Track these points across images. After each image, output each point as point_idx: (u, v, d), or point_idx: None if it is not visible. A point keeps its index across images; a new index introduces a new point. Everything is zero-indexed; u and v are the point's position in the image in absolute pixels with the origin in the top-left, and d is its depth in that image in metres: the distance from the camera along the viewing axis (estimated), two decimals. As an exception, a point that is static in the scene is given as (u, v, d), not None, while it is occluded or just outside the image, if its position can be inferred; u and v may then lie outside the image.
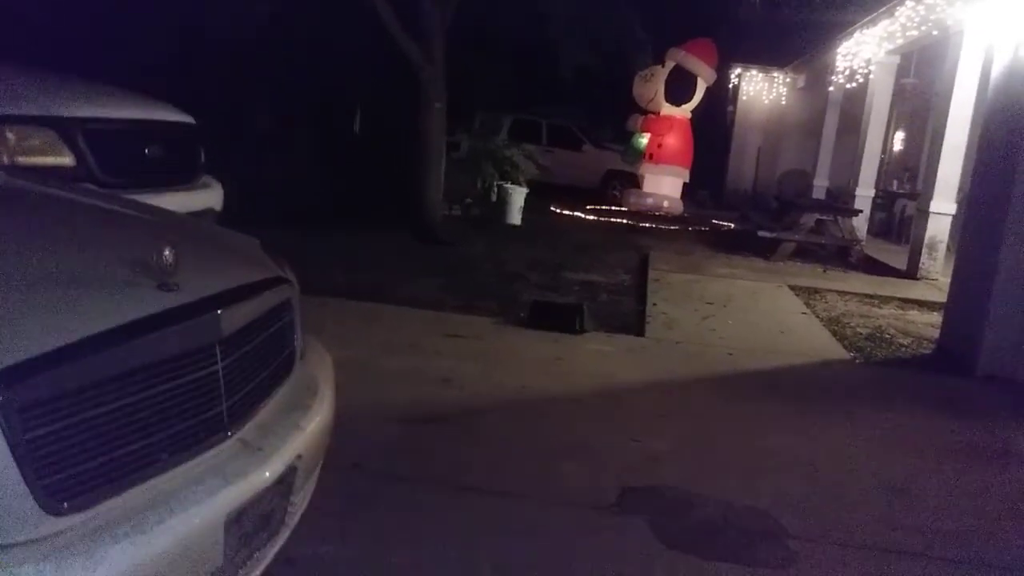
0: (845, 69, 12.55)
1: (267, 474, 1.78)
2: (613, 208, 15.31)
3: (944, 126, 9.18)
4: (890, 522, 3.05)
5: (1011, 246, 5.08)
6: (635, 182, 15.27)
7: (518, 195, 11.60)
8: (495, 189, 11.69)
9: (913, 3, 9.75)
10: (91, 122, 4.29)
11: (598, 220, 13.54)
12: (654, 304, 6.64)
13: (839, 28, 12.69)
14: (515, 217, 11.54)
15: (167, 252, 1.74)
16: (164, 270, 1.72)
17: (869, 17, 11.41)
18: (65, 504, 1.36)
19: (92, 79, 5.05)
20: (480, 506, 2.88)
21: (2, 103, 3.99)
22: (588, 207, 14.80)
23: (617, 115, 16.50)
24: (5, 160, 3.91)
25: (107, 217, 2.28)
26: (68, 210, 2.20)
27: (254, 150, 8.77)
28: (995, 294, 5.13)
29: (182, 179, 5.32)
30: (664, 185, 14.73)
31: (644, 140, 14.80)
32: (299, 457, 1.94)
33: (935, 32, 9.64)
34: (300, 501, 2.04)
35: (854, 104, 13.21)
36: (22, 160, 3.98)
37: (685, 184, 15.11)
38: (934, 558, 2.82)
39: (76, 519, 1.38)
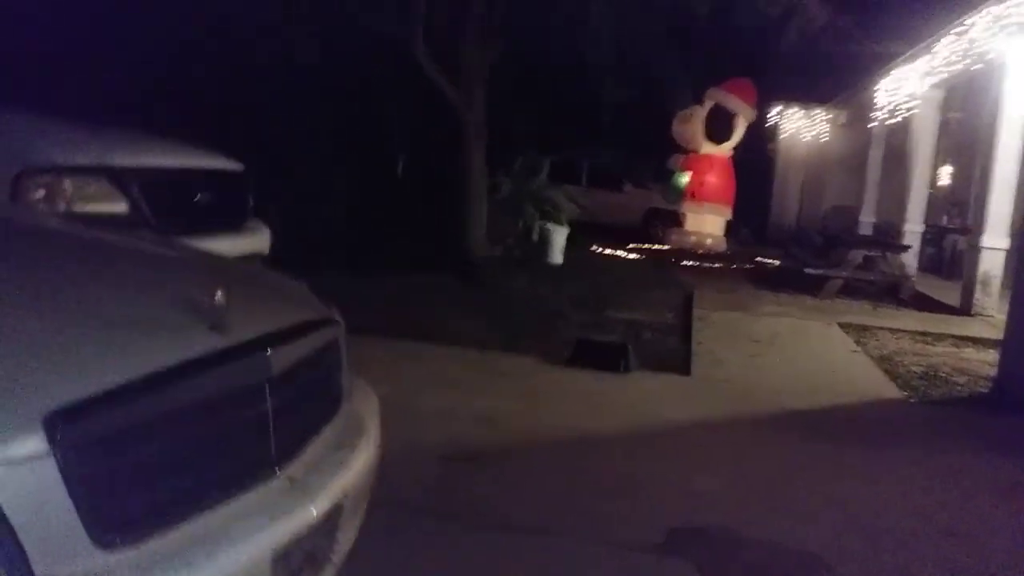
0: (887, 104, 12.45)
1: (314, 512, 1.79)
2: (655, 247, 15.27)
3: (993, 159, 9.02)
4: (946, 566, 2.95)
5: (1067, 280, 4.94)
6: (677, 220, 15.24)
7: (559, 234, 11.64)
8: (536, 229, 11.75)
9: (954, 37, 9.68)
10: (144, 171, 4.44)
11: (640, 259, 13.50)
12: (699, 343, 6.57)
13: (879, 61, 12.61)
14: (557, 256, 11.57)
15: (218, 294, 1.79)
16: (215, 312, 1.77)
17: (908, 53, 11.34)
18: (117, 539, 1.39)
19: (144, 129, 5.24)
20: (521, 545, 2.86)
21: (60, 154, 4.15)
22: (630, 246, 14.79)
23: (657, 155, 16.53)
24: (62, 208, 4.05)
25: (160, 261, 2.36)
26: (122, 255, 2.27)
27: (299, 193, 8.95)
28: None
29: (231, 224, 5.46)
30: (706, 223, 14.69)
31: (685, 178, 14.81)
32: (345, 496, 1.95)
33: (978, 65, 9.53)
34: (346, 540, 2.05)
35: (899, 138, 13.06)
36: (78, 208, 4.12)
37: (728, 222, 15.04)
38: (996, 604, 2.72)
39: (127, 554, 1.40)
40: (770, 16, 10.74)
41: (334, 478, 1.94)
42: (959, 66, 9.90)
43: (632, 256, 13.75)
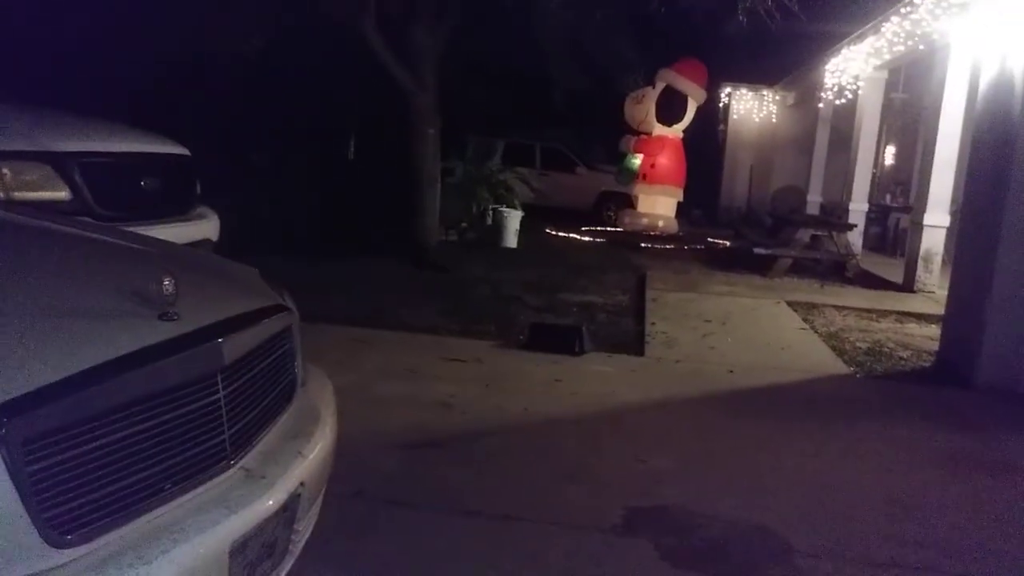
0: (834, 85, 12.66)
1: (271, 502, 1.77)
2: (608, 229, 15.36)
3: (935, 140, 9.24)
4: (896, 537, 3.04)
5: (1006, 257, 5.10)
6: (629, 203, 15.33)
7: (513, 218, 11.64)
8: (490, 213, 11.73)
9: (899, 19, 9.86)
10: (86, 156, 4.32)
11: (593, 241, 13.58)
12: (653, 323, 6.64)
13: (827, 42, 12.79)
14: (511, 240, 11.57)
15: (167, 282, 1.75)
16: (164, 300, 1.73)
17: (856, 33, 11.53)
18: (69, 536, 1.35)
19: (86, 113, 5.09)
20: (483, 530, 2.86)
21: (-2, 139, 4.02)
22: (583, 228, 14.86)
23: (609, 137, 16.59)
24: (1, 195, 3.93)
25: (105, 249, 2.29)
26: (66, 242, 2.20)
27: (248, 179, 8.79)
28: (992, 305, 5.14)
29: (178, 210, 5.34)
30: (659, 205, 14.79)
31: (637, 161, 14.88)
32: (302, 484, 1.93)
33: (922, 47, 9.74)
34: (304, 529, 2.03)
35: (845, 120, 13.30)
36: (18, 195, 4.00)
37: (679, 203, 15.17)
38: (942, 572, 2.81)
39: (80, 551, 1.37)
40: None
41: (290, 468, 1.92)
42: (903, 47, 10.10)
43: (585, 239, 13.81)
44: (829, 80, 12.85)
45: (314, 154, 9.94)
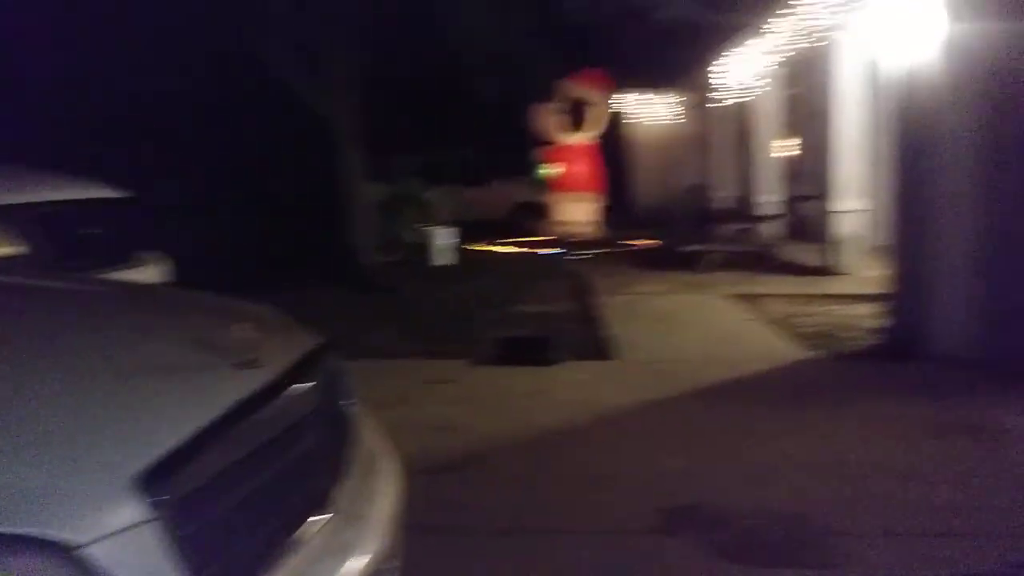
0: (735, 83, 13.15)
1: (378, 538, 1.72)
2: (529, 239, 15.47)
3: (839, 129, 9.71)
4: (914, 505, 3.17)
5: (942, 233, 5.40)
6: (546, 212, 15.52)
7: (442, 236, 11.62)
8: (418, 232, 11.68)
9: (796, 17, 10.33)
10: (37, 207, 4.10)
11: (518, 252, 13.64)
12: (610, 327, 6.72)
13: (726, 41, 13.26)
14: (443, 257, 11.53)
15: (236, 330, 1.69)
16: (241, 349, 1.67)
17: (754, 30, 12.02)
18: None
19: (13, 164, 4.84)
20: (525, 546, 2.84)
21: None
22: (503, 240, 14.87)
23: (522, 149, 16.78)
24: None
25: (148, 303, 2.19)
26: (112, 301, 2.10)
27: (174, 220, 8.46)
28: (935, 281, 5.43)
29: (121, 257, 5.13)
30: (576, 211, 15.04)
31: (548, 170, 15.14)
32: (394, 519, 1.89)
33: (819, 43, 10.22)
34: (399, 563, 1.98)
35: (749, 115, 13.82)
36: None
37: (599, 208, 15.46)
38: (965, 534, 2.94)
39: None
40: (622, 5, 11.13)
41: (381, 503, 1.88)
42: (802, 42, 10.58)
43: (509, 250, 13.87)
44: (730, 78, 13.35)
45: (241, 188, 9.66)
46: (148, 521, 1.17)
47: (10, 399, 1.28)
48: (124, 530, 1.15)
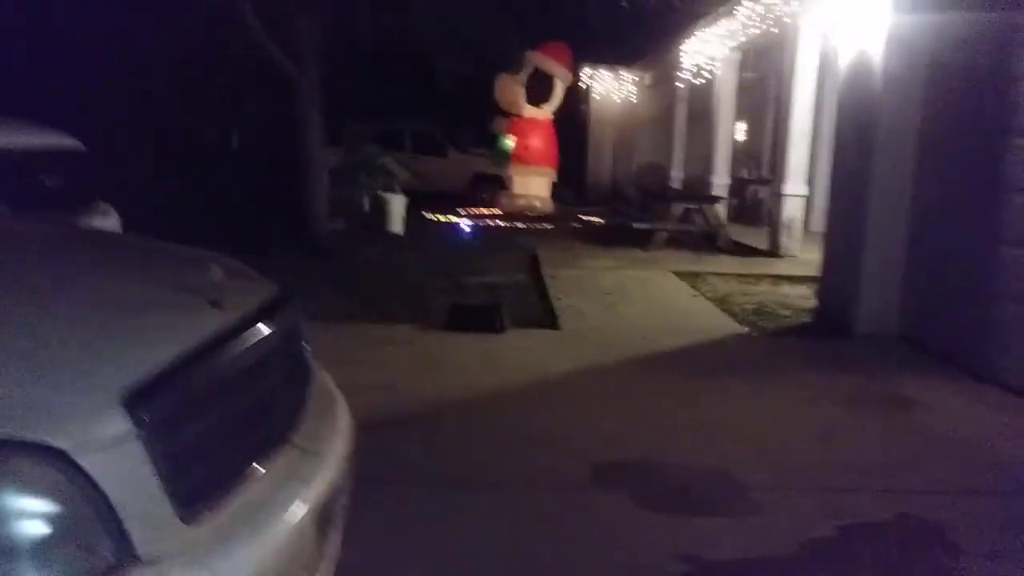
0: (691, 66, 13.39)
1: (331, 474, 1.87)
2: (484, 211, 15.60)
3: (789, 115, 10.01)
4: (828, 467, 3.44)
5: (875, 218, 5.70)
6: (504, 184, 15.64)
7: (398, 203, 11.69)
8: (374, 199, 11.72)
9: (752, 2, 10.57)
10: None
11: (473, 223, 13.76)
12: (558, 299, 6.92)
13: (684, 24, 13.48)
14: (396, 225, 11.61)
15: (214, 271, 1.81)
16: (214, 289, 1.79)
17: (711, 15, 12.24)
18: (197, 513, 1.43)
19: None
20: (466, 499, 3.02)
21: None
22: (459, 211, 15.01)
23: (480, 119, 16.82)
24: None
25: (128, 247, 2.30)
26: (96, 245, 2.21)
27: (127, 174, 8.40)
28: (864, 263, 5.74)
29: (81, 205, 5.16)
30: (533, 185, 15.20)
31: (510, 142, 15.20)
32: (346, 458, 2.04)
33: (775, 29, 10.48)
34: (348, 501, 2.13)
35: (702, 98, 14.08)
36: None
37: (552, 183, 15.62)
38: (872, 490, 3.21)
39: (206, 527, 1.44)
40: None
41: (334, 442, 2.02)
42: (756, 29, 10.84)
43: (465, 221, 13.98)
44: (686, 60, 13.57)
45: (195, 146, 9.59)
46: (135, 434, 1.32)
47: (15, 322, 1.42)
48: (113, 441, 1.29)
